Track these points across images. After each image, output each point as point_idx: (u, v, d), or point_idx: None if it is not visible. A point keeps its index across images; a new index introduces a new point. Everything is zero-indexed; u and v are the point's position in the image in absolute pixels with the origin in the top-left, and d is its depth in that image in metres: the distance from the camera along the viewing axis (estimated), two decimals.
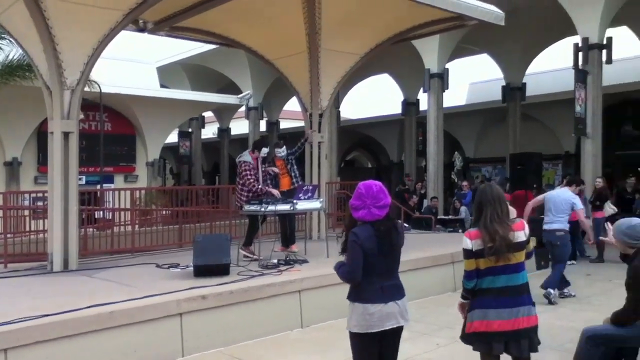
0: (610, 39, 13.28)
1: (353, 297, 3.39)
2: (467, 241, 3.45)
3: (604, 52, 13.23)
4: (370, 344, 3.36)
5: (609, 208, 11.04)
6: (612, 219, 10.62)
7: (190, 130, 26.41)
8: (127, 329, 5.02)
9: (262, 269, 6.95)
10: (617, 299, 4.69)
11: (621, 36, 16.31)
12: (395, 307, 3.32)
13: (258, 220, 7.81)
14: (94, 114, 17.49)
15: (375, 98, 42.77)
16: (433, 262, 8.09)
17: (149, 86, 19.71)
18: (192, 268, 6.63)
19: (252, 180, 7.80)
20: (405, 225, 13.69)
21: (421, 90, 18.29)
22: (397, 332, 3.41)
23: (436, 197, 15.92)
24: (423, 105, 19.09)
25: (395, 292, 3.37)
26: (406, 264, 7.66)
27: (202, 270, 6.46)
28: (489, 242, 3.35)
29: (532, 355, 3.52)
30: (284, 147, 8.90)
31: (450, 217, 14.23)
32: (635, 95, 18.06)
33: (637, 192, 12.80)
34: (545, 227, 7.66)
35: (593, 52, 13.12)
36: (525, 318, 3.38)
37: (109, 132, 18.35)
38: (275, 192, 8.02)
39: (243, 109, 23.62)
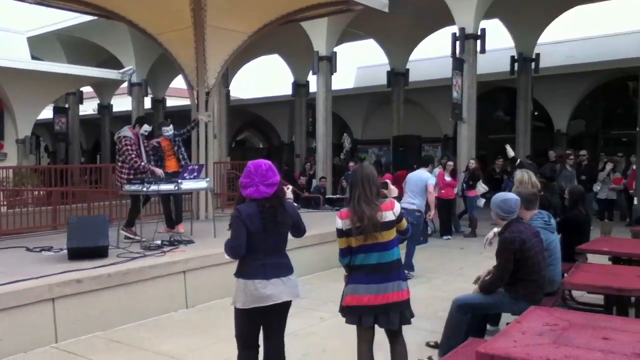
0: (483, 30, 14.17)
1: (237, 273, 3.44)
2: (338, 221, 3.56)
3: (479, 42, 14.09)
4: (252, 319, 3.40)
5: (481, 187, 11.90)
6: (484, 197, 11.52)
7: (67, 105, 24.60)
8: None
9: (145, 250, 6.71)
10: (486, 270, 5.08)
11: (493, 28, 17.51)
12: (279, 283, 3.37)
13: (140, 201, 7.49)
14: None
15: (266, 78, 42.66)
16: (320, 239, 8.26)
17: (18, 57, 18.00)
18: (66, 251, 6.24)
19: (133, 156, 7.39)
20: (295, 204, 13.88)
21: (310, 72, 18.44)
22: (282, 308, 3.45)
23: (325, 177, 16.24)
24: (313, 87, 19.27)
25: (279, 269, 3.41)
26: (293, 242, 7.73)
27: (78, 253, 6.10)
28: (357, 222, 3.45)
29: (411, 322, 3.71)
30: (171, 126, 8.46)
31: (337, 196, 14.60)
32: (505, 84, 19.53)
33: (505, 173, 13.88)
34: (403, 205, 7.85)
35: (469, 41, 13.93)
36: (395, 293, 3.51)
37: None
38: (159, 170, 7.65)
39: (125, 85, 22.38)
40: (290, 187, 3.78)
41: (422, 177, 7.79)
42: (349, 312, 3.56)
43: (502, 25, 17.89)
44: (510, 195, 4.49)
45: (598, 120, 20.94)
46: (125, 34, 19.55)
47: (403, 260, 3.84)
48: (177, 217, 8.32)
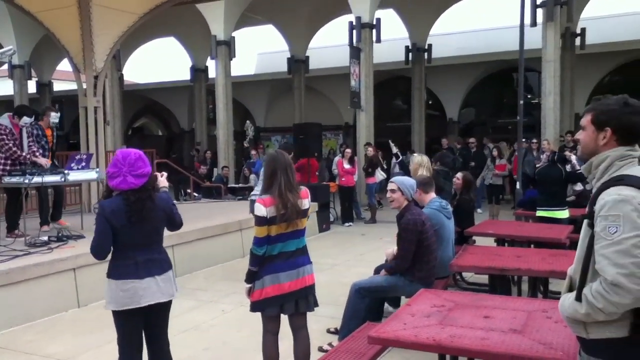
0: (379, 20, 14.58)
1: (108, 273, 3.20)
2: (261, 208, 3.41)
3: (374, 31, 14.47)
4: (132, 321, 3.20)
5: (379, 174, 12.28)
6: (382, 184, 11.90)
7: None
8: None
9: (29, 247, 6.24)
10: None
11: (389, 18, 18.06)
12: (152, 282, 3.18)
13: (21, 195, 6.92)
14: None
15: (164, 62, 41.07)
16: (222, 230, 8.16)
17: None
18: None
19: (10, 146, 6.82)
20: (196, 194, 13.57)
21: (209, 57, 18.03)
22: (161, 307, 3.27)
23: (227, 166, 16.01)
24: (213, 73, 18.86)
25: (153, 266, 3.21)
26: (194, 233, 7.63)
27: None
28: (282, 210, 3.40)
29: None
30: (59, 113, 7.87)
31: (240, 185, 14.45)
32: (403, 73, 20.25)
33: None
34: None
35: (365, 30, 14.28)
36: (309, 276, 3.59)
37: None
38: (44, 160, 7.12)
39: (6, 67, 20.62)
40: (165, 174, 3.49)
41: None
42: (270, 302, 3.47)
43: (397, 15, 18.49)
44: (407, 179, 4.75)
45: (486, 109, 22.34)
46: (3, 10, 17.98)
47: None
48: (58, 212, 7.74)
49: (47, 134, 7.70)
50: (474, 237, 6.34)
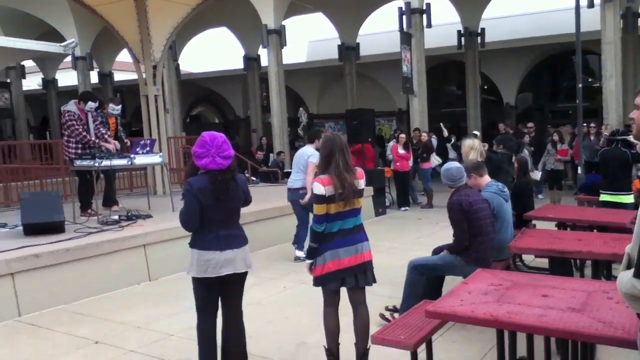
0: (429, 5, 14.42)
1: (192, 243, 3.51)
2: (320, 187, 3.57)
3: (425, 16, 14.33)
4: (209, 288, 3.50)
5: (435, 159, 12.25)
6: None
7: (8, 80, 23.54)
8: None
9: (102, 225, 6.67)
10: (442, 239, 5.34)
11: (440, 3, 17.79)
12: (231, 254, 3.45)
13: (92, 177, 7.35)
14: None
15: (218, 52, 41.78)
16: (279, 212, 8.37)
17: None
18: (21, 227, 6.15)
19: (80, 130, 7.21)
20: (253, 178, 13.92)
21: (261, 45, 18.29)
22: (237, 278, 3.54)
23: (282, 151, 16.30)
24: (265, 61, 19.12)
25: (232, 240, 3.48)
26: (252, 215, 7.89)
27: (33, 229, 6.05)
28: (339, 189, 3.56)
29: (370, 290, 3.90)
30: (120, 105, 8.22)
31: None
32: (455, 58, 19.94)
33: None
34: (289, 185, 7.29)
35: (415, 16, 14.13)
36: (367, 252, 3.74)
37: None
38: (111, 145, 7.47)
39: (70, 59, 21.55)
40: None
41: (304, 153, 7.16)
42: (332, 277, 3.64)
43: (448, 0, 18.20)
44: (452, 165, 4.75)
45: (545, 93, 21.73)
46: (65, 5, 18.77)
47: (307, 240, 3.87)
48: (112, 198, 8.08)
49: (111, 122, 8.07)
50: (534, 222, 6.29)
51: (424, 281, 4.68)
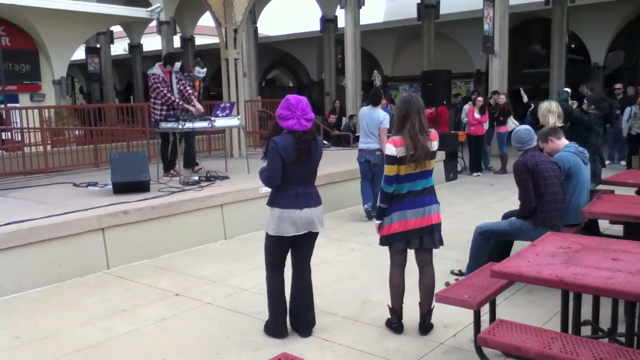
0: None
1: (271, 202, 3.68)
2: (392, 148, 3.62)
3: None
4: (283, 246, 3.71)
5: (512, 123, 11.83)
6: None
7: (98, 46, 24.85)
8: (49, 244, 5.07)
9: (183, 185, 7.06)
10: (513, 205, 5.24)
11: None
12: (310, 212, 3.62)
13: (176, 138, 7.75)
14: None
15: (295, 14, 41.79)
16: (349, 176, 8.48)
17: None
18: (110, 186, 6.63)
19: (165, 92, 7.53)
20: (325, 142, 14.09)
21: (339, 6, 18.11)
22: (311, 237, 3.74)
23: (354, 115, 16.29)
24: (342, 23, 18.97)
25: (310, 199, 3.65)
26: (323, 178, 8.04)
27: (122, 188, 6.49)
28: (411, 150, 3.59)
29: (437, 253, 3.96)
30: (205, 68, 8.47)
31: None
32: (542, 14, 18.88)
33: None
34: (361, 146, 7.37)
35: None
36: (435, 214, 3.77)
37: (8, 47, 16.93)
38: (193, 108, 7.76)
39: (154, 23, 22.38)
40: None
41: (375, 117, 7.17)
42: (397, 238, 3.73)
43: None
44: (521, 127, 4.72)
45: (638, 52, 20.20)
46: None
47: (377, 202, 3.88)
48: (189, 160, 8.39)
49: (196, 84, 8.38)
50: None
51: (492, 246, 4.68)
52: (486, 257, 4.48)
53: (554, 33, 17.46)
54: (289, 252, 3.81)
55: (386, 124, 7.17)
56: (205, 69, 8.44)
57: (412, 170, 3.64)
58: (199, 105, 7.87)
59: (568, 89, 6.51)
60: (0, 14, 15.08)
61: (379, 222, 3.82)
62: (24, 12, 16.36)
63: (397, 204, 3.70)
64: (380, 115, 7.19)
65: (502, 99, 11.87)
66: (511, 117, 11.90)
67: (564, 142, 4.94)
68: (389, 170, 3.66)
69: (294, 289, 3.83)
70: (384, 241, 3.84)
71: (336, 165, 9.09)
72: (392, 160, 3.62)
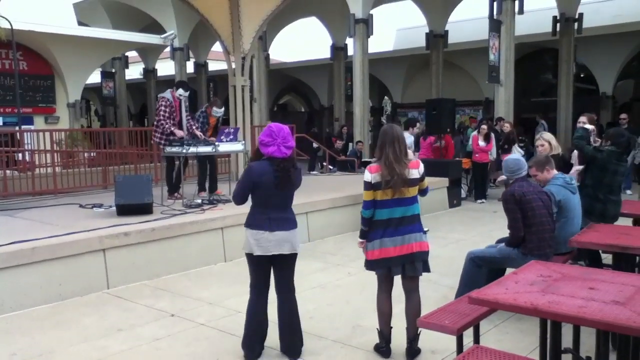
0: None
1: (246, 223, 3.85)
2: (368, 174, 3.82)
3: (517, 2, 13.82)
4: (259, 266, 3.82)
5: (517, 150, 11.89)
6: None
7: (113, 70, 25.43)
8: (51, 263, 5.21)
9: (186, 208, 7.20)
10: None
11: None
12: (282, 235, 3.73)
13: (180, 163, 7.92)
14: (7, 52, 16.59)
15: (306, 41, 42.49)
16: (352, 201, 8.54)
17: (65, 23, 18.73)
18: (114, 208, 6.79)
19: (160, 118, 7.71)
20: (331, 167, 14.22)
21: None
22: (285, 259, 3.82)
23: (361, 140, 16.46)
24: (352, 50, 19.30)
25: (284, 223, 3.77)
26: (326, 202, 8.17)
27: (125, 209, 6.64)
28: (387, 177, 3.74)
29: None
30: (223, 108, 8.68)
31: (374, 159, 14.79)
32: (549, 45, 19.05)
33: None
34: None
35: (506, 2, 13.66)
36: (416, 243, 3.83)
37: (25, 71, 17.45)
38: (180, 132, 7.82)
39: (168, 49, 22.93)
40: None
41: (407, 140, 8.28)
42: (378, 264, 3.85)
43: None
44: (510, 156, 4.83)
45: None
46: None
47: None
48: (214, 184, 8.56)
49: (211, 122, 8.52)
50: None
51: (485, 273, 4.72)
52: (477, 284, 4.51)
53: (561, 63, 17.61)
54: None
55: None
56: (222, 109, 8.62)
57: (388, 197, 3.77)
58: (198, 133, 8.01)
59: (588, 126, 6.19)
60: (19, 40, 15.56)
61: (361, 240, 3.97)
62: (41, 38, 16.90)
63: (378, 230, 3.83)
64: (407, 138, 8.09)
65: (507, 127, 11.97)
66: (516, 145, 11.96)
67: (552, 173, 5.01)
68: (365, 195, 3.85)
69: (278, 313, 3.90)
70: (367, 266, 3.96)
71: (340, 190, 9.20)
72: (367, 185, 3.82)
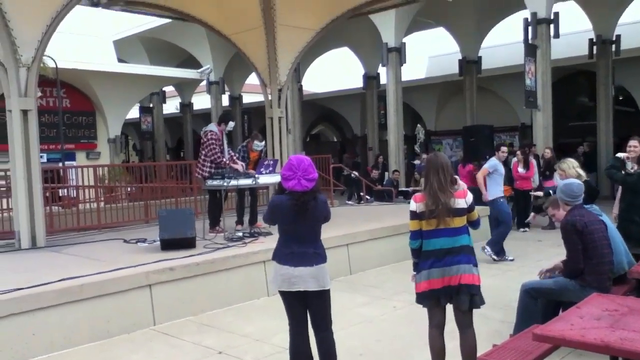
0: (557, 14, 13.71)
1: (272, 255, 3.82)
2: (412, 204, 3.80)
3: (552, 26, 13.68)
4: (290, 301, 3.73)
5: (559, 177, 11.59)
6: None
7: (151, 105, 26.07)
8: (99, 300, 5.24)
9: (228, 241, 7.21)
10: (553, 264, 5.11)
11: (570, 10, 16.88)
12: (306, 271, 3.62)
13: (221, 196, 7.98)
14: (51, 90, 17.18)
15: (338, 71, 42.89)
16: (392, 231, 8.45)
17: (106, 61, 19.36)
18: (158, 242, 6.85)
19: (216, 150, 7.81)
20: (368, 197, 14.15)
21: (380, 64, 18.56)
22: (315, 295, 3.68)
23: (397, 170, 16.37)
24: (384, 79, 19.37)
25: (306, 258, 3.65)
26: (365, 233, 8.09)
27: (169, 244, 6.68)
28: (431, 206, 3.69)
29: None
30: (264, 142, 8.76)
31: (411, 188, 14.72)
32: (585, 68, 18.75)
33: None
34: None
35: (541, 26, 13.55)
36: (466, 275, 3.70)
37: (68, 108, 18.02)
38: (239, 165, 7.98)
39: (204, 82, 23.43)
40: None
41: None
42: (426, 297, 3.76)
43: (579, 7, 17.21)
44: (573, 181, 4.61)
45: None
46: (202, 34, 20.44)
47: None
48: (254, 216, 8.56)
49: (252, 157, 8.56)
50: None
51: (539, 306, 4.55)
52: (534, 317, 4.35)
53: (599, 86, 17.29)
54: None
55: (486, 165, 8.56)
56: (263, 143, 8.70)
57: (433, 227, 3.71)
58: (238, 166, 8.04)
59: (620, 154, 6.11)
60: (63, 78, 16.10)
61: (413, 273, 3.90)
62: (84, 76, 17.46)
63: (425, 261, 3.76)
64: (491, 161, 8.55)
65: (548, 152, 11.73)
66: (557, 171, 11.66)
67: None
68: (410, 225, 3.82)
69: (318, 352, 3.79)
70: (417, 298, 3.87)
71: (379, 221, 9.11)
72: (413, 215, 3.80)
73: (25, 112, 7.36)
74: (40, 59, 7.56)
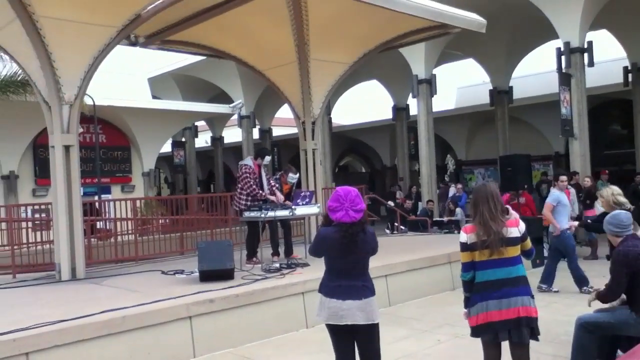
0: (590, 43, 13.57)
1: (319, 288, 3.71)
2: (463, 235, 3.71)
3: (586, 55, 13.54)
4: (338, 336, 3.62)
5: (600, 206, 11.30)
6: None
7: (183, 139, 26.55)
8: (139, 332, 5.21)
9: (266, 272, 7.15)
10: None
11: (602, 39, 16.72)
12: (353, 305, 3.51)
13: (259, 227, 7.98)
14: (88, 127, 17.66)
15: (366, 104, 43.15)
16: (430, 262, 8.30)
17: (141, 97, 19.91)
18: (197, 273, 6.83)
19: (252, 184, 7.89)
20: (402, 227, 14.00)
21: (410, 95, 18.60)
22: (364, 329, 3.57)
23: (432, 200, 16.21)
24: (413, 110, 19.39)
25: (355, 292, 3.55)
26: (403, 265, 7.94)
27: (208, 275, 6.66)
28: (483, 236, 3.59)
29: (533, 348, 3.73)
30: (298, 174, 8.82)
31: (447, 218, 14.53)
32: (619, 96, 18.46)
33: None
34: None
35: (575, 55, 13.42)
36: (523, 307, 3.58)
37: (104, 144, 18.48)
38: (274, 197, 8.04)
39: (235, 116, 23.80)
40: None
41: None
42: (483, 330, 3.63)
43: (611, 35, 17.05)
44: (621, 211, 4.49)
45: None
46: (234, 70, 20.88)
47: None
48: (289, 247, 8.52)
49: (285, 189, 8.60)
50: None
51: (596, 340, 4.34)
52: (591, 352, 4.15)
53: (636, 114, 16.97)
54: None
55: (549, 199, 8.25)
56: (297, 175, 8.76)
57: (486, 257, 3.61)
58: (280, 196, 8.15)
59: None
60: (100, 114, 16.56)
61: (465, 310, 3.78)
62: (120, 112, 17.95)
63: (480, 293, 3.64)
64: (553, 194, 8.29)
65: (588, 181, 11.47)
66: (598, 199, 11.37)
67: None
68: (462, 257, 3.74)
69: None
70: (472, 332, 3.74)
71: (416, 251, 8.97)
72: (463, 247, 3.72)
73: (67, 148, 7.53)
74: (82, 97, 7.78)
